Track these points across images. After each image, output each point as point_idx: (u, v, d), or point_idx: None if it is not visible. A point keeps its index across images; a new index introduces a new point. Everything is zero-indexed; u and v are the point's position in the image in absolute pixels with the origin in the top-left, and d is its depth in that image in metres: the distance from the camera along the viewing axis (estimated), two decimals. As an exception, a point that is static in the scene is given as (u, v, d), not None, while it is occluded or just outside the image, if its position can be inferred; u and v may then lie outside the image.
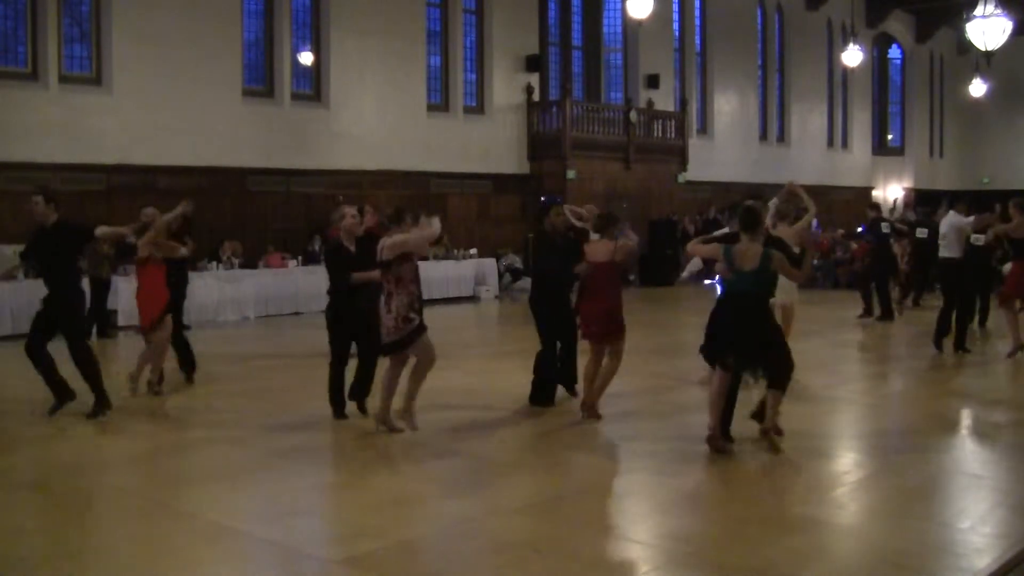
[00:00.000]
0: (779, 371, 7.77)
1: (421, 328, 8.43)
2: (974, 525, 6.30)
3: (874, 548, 5.93)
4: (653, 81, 28.35)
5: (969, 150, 41.30)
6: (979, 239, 13.67)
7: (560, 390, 10.06)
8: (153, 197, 18.25)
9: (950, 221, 13.75)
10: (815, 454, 8.12)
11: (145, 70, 18.40)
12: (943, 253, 13.71)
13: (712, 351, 7.91)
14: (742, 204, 8.46)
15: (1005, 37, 17.84)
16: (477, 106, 24.81)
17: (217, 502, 6.88)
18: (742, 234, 7.73)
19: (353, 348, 9.30)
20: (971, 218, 13.82)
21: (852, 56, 27.63)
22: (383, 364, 8.79)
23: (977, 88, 33.80)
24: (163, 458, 8.15)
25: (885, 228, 17.69)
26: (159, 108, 18.50)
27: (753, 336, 7.65)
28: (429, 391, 10.92)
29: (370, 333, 8.92)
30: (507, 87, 25.10)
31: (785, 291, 10.74)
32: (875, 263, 17.59)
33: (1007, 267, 14.30)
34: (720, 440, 7.82)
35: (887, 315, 16.98)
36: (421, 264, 8.95)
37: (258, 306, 18.57)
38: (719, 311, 7.82)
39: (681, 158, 28.06)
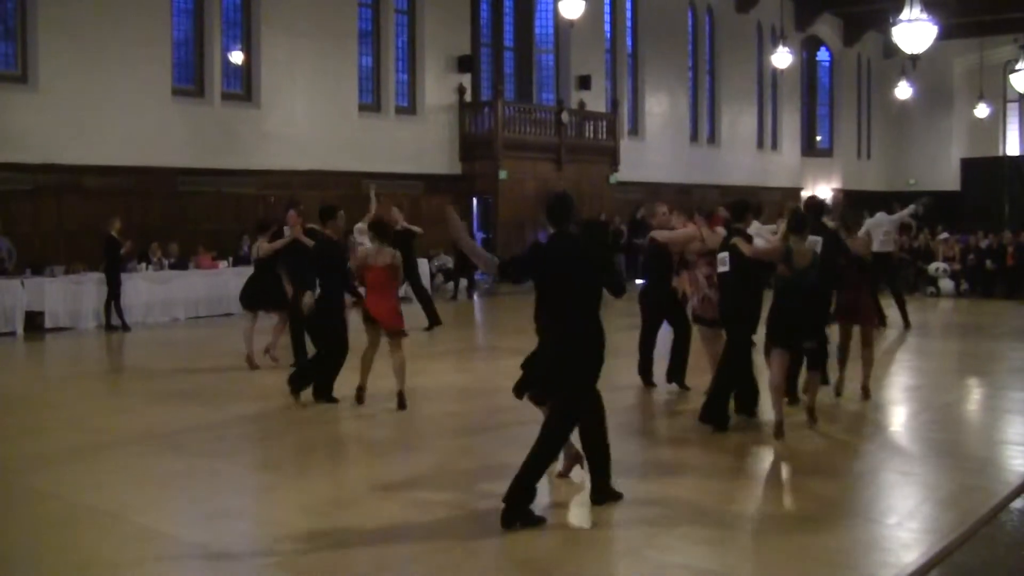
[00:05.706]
0: (822, 353, 8.96)
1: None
2: (901, 521, 6.37)
3: (803, 545, 5.93)
4: (585, 82, 28.57)
5: (896, 152, 42.09)
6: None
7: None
8: (80, 197, 18.29)
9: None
10: (743, 453, 8.19)
11: (72, 68, 18.19)
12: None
13: (775, 336, 8.57)
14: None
15: (930, 41, 18.17)
16: (409, 106, 24.85)
17: (151, 506, 6.76)
18: (793, 235, 8.48)
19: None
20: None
21: (781, 58, 27.92)
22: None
23: (903, 91, 34.52)
24: (111, 462, 7.98)
25: None
26: (87, 107, 18.29)
27: (816, 321, 8.65)
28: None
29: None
30: (439, 87, 25.17)
31: None
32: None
33: None
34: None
35: None
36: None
37: (188, 307, 18.39)
38: (781, 301, 8.50)
39: (613, 159, 28.32)
